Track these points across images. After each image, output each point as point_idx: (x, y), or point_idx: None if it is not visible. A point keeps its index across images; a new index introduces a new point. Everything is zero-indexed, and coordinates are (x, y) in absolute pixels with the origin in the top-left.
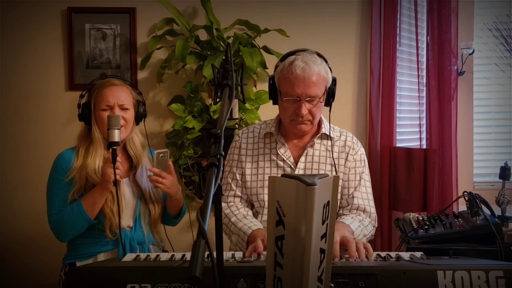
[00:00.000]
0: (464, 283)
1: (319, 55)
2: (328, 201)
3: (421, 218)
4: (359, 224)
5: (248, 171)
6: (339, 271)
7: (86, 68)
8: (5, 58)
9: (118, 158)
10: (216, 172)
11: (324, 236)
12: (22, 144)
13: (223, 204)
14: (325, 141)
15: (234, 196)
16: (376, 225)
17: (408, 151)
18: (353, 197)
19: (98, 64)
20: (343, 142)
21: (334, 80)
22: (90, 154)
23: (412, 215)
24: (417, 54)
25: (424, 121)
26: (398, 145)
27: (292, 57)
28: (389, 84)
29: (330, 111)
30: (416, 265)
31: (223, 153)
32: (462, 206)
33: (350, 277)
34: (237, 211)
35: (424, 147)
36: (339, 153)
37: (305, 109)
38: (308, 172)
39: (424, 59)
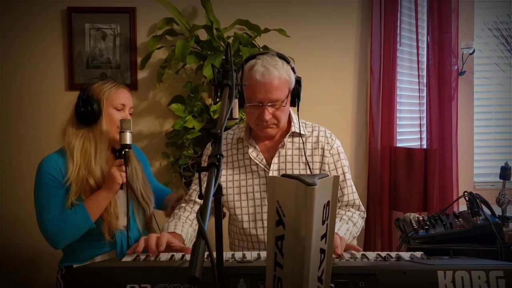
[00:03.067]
0: (464, 283)
1: (281, 57)
2: (328, 201)
3: (421, 218)
4: (348, 226)
5: (223, 178)
6: (339, 271)
7: (86, 68)
8: (5, 58)
9: (121, 161)
10: (216, 172)
11: (324, 236)
12: (22, 144)
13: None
14: (296, 139)
15: (194, 202)
16: (365, 215)
17: (409, 151)
18: (342, 193)
19: (98, 64)
20: (315, 138)
21: (298, 80)
22: (90, 153)
23: (413, 215)
24: (418, 54)
25: (424, 121)
26: (398, 145)
27: (252, 62)
28: (389, 84)
29: (298, 110)
30: (416, 265)
31: (223, 153)
32: (462, 206)
33: (350, 277)
34: (176, 211)
35: (425, 147)
36: (312, 149)
37: (268, 114)
38: (282, 172)
39: (425, 59)
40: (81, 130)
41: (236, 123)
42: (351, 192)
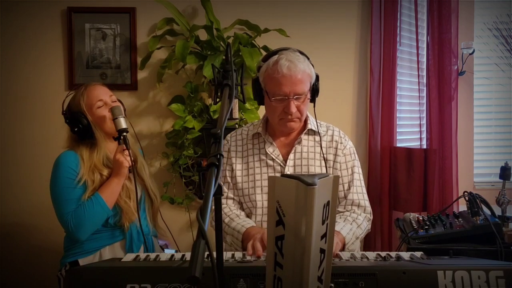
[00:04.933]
0: (464, 283)
1: (301, 53)
2: (328, 201)
3: (421, 218)
4: (351, 226)
5: (238, 173)
6: (339, 271)
7: (86, 68)
8: (5, 57)
9: (123, 146)
10: (216, 172)
11: (324, 236)
12: (22, 143)
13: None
14: (312, 137)
15: (227, 198)
16: (372, 217)
17: (408, 151)
18: (349, 192)
19: (98, 64)
20: (330, 137)
21: (317, 76)
22: (94, 153)
23: (412, 215)
24: (417, 54)
25: (424, 121)
26: (398, 145)
27: (275, 57)
28: (389, 84)
29: (314, 106)
30: (416, 265)
31: (223, 153)
32: (462, 206)
33: (350, 277)
34: (230, 212)
35: (424, 147)
36: (326, 148)
37: (293, 106)
38: (298, 168)
39: (424, 59)
40: (84, 141)
41: (237, 123)
42: (359, 192)
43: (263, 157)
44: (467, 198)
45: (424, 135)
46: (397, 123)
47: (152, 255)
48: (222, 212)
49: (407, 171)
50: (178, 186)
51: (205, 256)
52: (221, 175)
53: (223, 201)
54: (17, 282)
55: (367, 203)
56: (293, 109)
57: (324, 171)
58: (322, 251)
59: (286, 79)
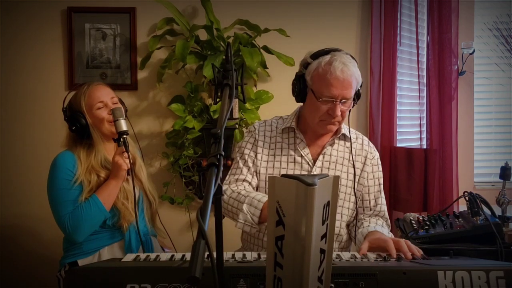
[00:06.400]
0: (464, 283)
1: (352, 57)
2: (328, 201)
3: (421, 218)
4: (387, 230)
5: (263, 164)
6: (339, 271)
7: (86, 68)
8: (5, 57)
9: (122, 148)
10: (216, 172)
11: (324, 236)
12: (22, 143)
13: (227, 187)
14: (342, 142)
15: (244, 180)
16: (390, 229)
17: (409, 151)
18: (375, 203)
19: (98, 64)
20: (360, 145)
21: (362, 82)
22: (92, 154)
23: (413, 215)
24: (418, 54)
25: (424, 121)
26: (398, 145)
27: (328, 57)
28: (389, 84)
29: (349, 111)
30: (417, 265)
31: (223, 153)
32: (462, 206)
33: (350, 277)
34: (244, 189)
35: (425, 147)
36: (355, 155)
37: (339, 110)
38: (325, 171)
39: (425, 59)
40: (82, 141)
41: (237, 123)
42: (384, 203)
43: (291, 152)
44: (467, 198)
45: (424, 135)
46: (397, 123)
47: (152, 255)
48: (236, 188)
49: (407, 171)
50: (178, 186)
51: (205, 256)
52: (241, 158)
53: (239, 183)
54: (17, 282)
55: (387, 215)
56: (338, 113)
57: (351, 178)
58: (322, 251)
59: (338, 81)
